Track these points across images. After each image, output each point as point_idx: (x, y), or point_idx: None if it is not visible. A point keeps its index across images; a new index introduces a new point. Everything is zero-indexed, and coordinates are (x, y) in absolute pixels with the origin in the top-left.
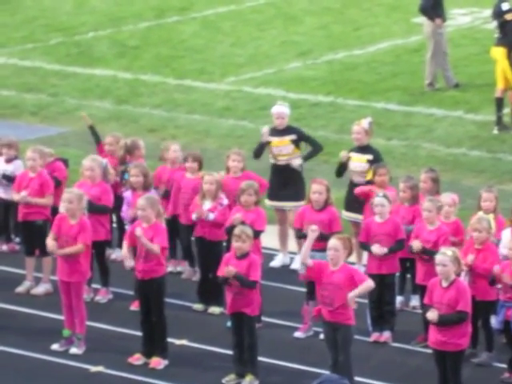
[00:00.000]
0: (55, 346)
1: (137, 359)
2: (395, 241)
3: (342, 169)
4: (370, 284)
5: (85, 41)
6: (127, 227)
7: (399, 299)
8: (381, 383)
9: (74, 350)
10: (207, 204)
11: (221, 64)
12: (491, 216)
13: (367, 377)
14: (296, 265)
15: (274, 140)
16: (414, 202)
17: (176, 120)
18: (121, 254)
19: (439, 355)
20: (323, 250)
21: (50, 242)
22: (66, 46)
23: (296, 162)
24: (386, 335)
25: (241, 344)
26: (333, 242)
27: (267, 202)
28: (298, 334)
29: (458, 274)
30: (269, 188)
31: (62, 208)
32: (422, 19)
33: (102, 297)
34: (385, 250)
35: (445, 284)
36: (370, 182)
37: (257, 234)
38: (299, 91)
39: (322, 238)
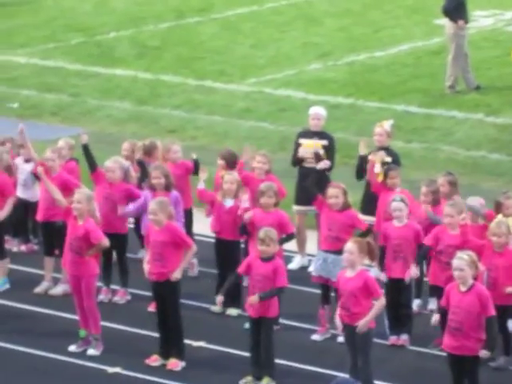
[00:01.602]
0: (72, 347)
1: (154, 360)
2: (416, 245)
3: (360, 167)
4: (382, 303)
5: (105, 41)
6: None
7: (417, 302)
8: None
9: (91, 351)
10: (228, 203)
11: (241, 65)
12: (511, 219)
13: (385, 380)
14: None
15: (306, 142)
16: (435, 204)
17: (196, 121)
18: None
19: (454, 359)
20: (339, 252)
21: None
22: (87, 46)
23: (320, 165)
24: (404, 338)
25: (258, 346)
26: (348, 245)
27: (294, 208)
28: (315, 337)
29: (475, 278)
30: (296, 192)
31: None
32: (444, 20)
33: (120, 298)
34: (417, 272)
35: (463, 289)
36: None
37: (290, 237)
38: (319, 93)
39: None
